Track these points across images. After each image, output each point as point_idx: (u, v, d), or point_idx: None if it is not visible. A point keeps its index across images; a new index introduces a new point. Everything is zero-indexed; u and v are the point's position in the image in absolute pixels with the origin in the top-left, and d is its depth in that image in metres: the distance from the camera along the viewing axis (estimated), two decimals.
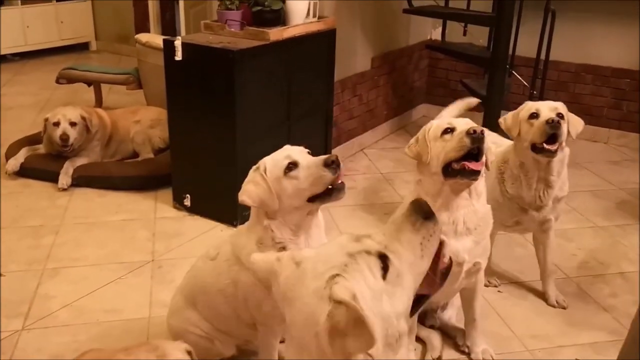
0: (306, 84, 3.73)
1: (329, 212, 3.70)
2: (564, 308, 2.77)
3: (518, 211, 2.65)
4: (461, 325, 2.56)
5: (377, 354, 0.99)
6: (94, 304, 2.71)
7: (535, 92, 4.65)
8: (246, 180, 1.97)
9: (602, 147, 4.84)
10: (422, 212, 1.17)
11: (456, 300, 2.63)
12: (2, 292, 2.74)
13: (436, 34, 5.15)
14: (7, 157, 4.02)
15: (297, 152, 1.95)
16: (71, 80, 5.12)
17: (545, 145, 2.45)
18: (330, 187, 1.89)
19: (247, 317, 2.10)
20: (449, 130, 2.13)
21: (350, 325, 0.97)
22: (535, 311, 2.77)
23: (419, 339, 2.50)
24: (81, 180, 3.87)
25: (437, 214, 2.12)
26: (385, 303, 1.04)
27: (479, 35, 4.64)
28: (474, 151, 2.07)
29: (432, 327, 2.58)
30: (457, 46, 4.57)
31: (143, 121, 4.30)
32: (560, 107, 2.52)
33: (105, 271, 2.97)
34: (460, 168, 2.08)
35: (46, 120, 3.93)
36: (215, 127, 3.36)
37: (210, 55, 3.24)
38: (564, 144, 2.50)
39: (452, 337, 2.57)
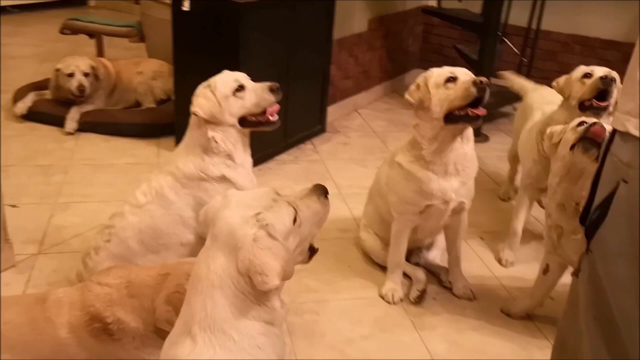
0: (306, 40, 3.88)
1: (325, 165, 3.90)
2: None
3: None
4: (444, 264, 2.78)
5: (275, 279, 1.29)
6: None
7: (525, 60, 4.85)
8: (196, 94, 2.22)
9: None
10: (323, 192, 1.48)
11: (440, 243, 2.84)
12: (18, 221, 2.90)
13: (432, 0, 5.30)
14: (15, 101, 4.16)
15: (242, 77, 2.25)
16: (75, 31, 5.19)
17: (594, 101, 2.56)
18: (265, 120, 2.24)
19: (201, 230, 2.23)
20: (452, 79, 2.30)
21: (267, 248, 1.31)
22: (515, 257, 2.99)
23: (405, 275, 2.72)
24: (87, 125, 4.03)
25: (432, 156, 2.34)
26: (291, 241, 1.38)
27: (474, 3, 4.80)
28: (477, 99, 2.24)
29: (417, 264, 2.80)
30: (452, 12, 4.73)
31: (145, 72, 4.44)
32: (614, 73, 2.61)
33: (112, 206, 3.08)
34: (464, 114, 2.26)
35: (58, 70, 4.06)
36: None
37: (218, 6, 3.37)
38: (611, 108, 2.57)
39: (436, 274, 2.79)
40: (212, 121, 2.18)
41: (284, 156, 3.98)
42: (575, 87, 2.66)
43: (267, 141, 3.66)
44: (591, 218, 1.14)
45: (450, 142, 2.33)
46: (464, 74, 2.30)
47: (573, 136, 2.14)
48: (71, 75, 4.02)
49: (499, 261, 2.96)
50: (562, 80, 2.76)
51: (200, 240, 2.28)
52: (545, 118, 2.86)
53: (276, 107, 2.27)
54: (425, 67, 5.54)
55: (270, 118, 2.26)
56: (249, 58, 3.43)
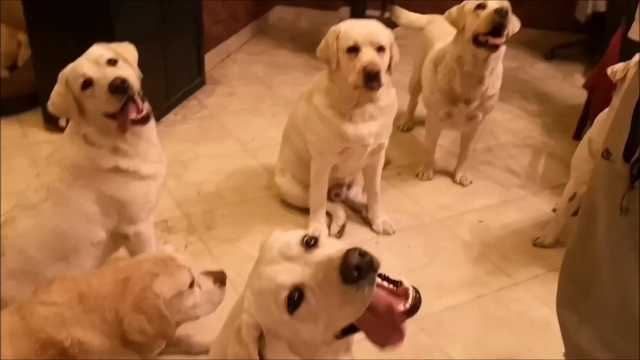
0: None
1: (219, 120, 3.64)
2: (464, 186, 3.07)
3: (448, 103, 2.76)
4: (365, 201, 2.75)
5: None
6: None
7: None
8: (54, 89, 1.86)
9: None
10: (352, 276, 1.02)
11: (360, 179, 2.83)
12: None
13: None
14: None
15: (93, 67, 1.80)
16: None
17: (490, 38, 2.47)
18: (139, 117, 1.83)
19: (112, 225, 1.97)
20: (354, 49, 2.17)
21: None
22: (435, 187, 3.07)
23: (326, 213, 2.66)
24: None
25: (349, 110, 2.27)
26: (286, 333, 1.12)
27: None
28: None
29: (337, 195, 2.78)
30: None
31: None
32: (506, 3, 2.51)
33: None
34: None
35: None
36: (88, 35, 3.02)
37: None
38: (503, 39, 2.51)
39: (357, 211, 2.79)
40: (73, 119, 1.86)
41: (170, 117, 3.64)
42: (469, 19, 2.53)
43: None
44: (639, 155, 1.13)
45: (366, 98, 2.28)
46: (367, 43, 2.15)
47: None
48: None
49: (417, 175, 3.10)
50: (454, 11, 2.63)
51: (114, 236, 1.99)
52: (438, 51, 2.86)
53: (135, 107, 1.81)
54: (287, 4, 5.44)
55: (133, 116, 1.82)
56: (120, 14, 3.00)
